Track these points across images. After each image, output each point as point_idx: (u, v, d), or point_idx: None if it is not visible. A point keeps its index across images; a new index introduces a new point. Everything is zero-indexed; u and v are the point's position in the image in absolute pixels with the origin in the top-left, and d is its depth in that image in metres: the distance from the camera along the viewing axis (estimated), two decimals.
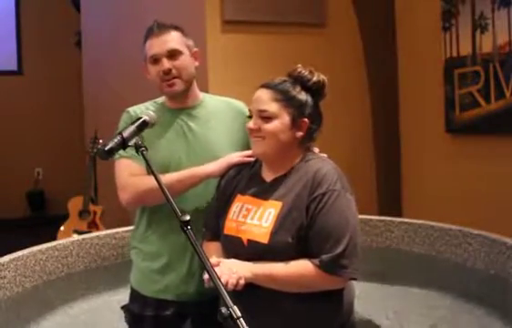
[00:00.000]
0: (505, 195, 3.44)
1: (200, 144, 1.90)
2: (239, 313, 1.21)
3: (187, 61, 1.91)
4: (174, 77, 1.88)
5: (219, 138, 1.92)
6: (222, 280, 1.47)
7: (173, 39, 1.90)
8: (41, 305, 2.33)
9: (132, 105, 1.98)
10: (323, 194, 1.57)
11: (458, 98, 3.69)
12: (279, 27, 3.96)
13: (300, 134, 1.65)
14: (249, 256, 1.58)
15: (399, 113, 4.25)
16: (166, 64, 1.87)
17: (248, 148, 1.93)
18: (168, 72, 1.87)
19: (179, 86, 1.90)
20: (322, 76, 1.69)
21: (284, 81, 1.67)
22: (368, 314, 2.23)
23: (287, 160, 1.68)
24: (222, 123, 1.95)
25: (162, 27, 1.91)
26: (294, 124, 1.64)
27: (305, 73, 1.68)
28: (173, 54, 1.88)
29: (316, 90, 1.68)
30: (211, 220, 1.79)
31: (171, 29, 1.91)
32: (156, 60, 1.88)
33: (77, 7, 6.30)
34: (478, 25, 3.50)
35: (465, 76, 3.63)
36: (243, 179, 1.75)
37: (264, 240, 1.58)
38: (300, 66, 1.70)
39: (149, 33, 1.92)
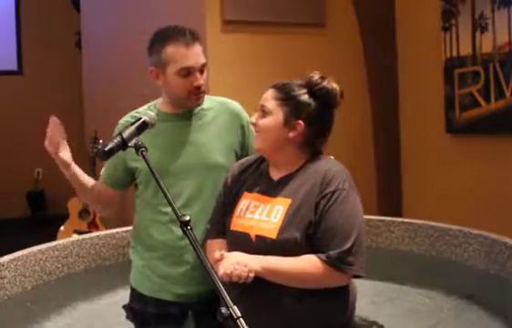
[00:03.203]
0: (505, 195, 3.44)
1: (194, 147, 1.89)
2: (239, 313, 1.21)
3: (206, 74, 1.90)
4: (203, 92, 1.86)
5: (212, 139, 1.91)
6: (234, 276, 1.49)
7: (201, 52, 1.84)
8: (41, 305, 2.33)
9: (131, 105, 1.98)
10: (333, 192, 1.59)
11: (458, 98, 3.69)
12: (279, 27, 3.96)
13: (292, 135, 1.65)
14: (256, 251, 1.59)
15: (399, 113, 4.25)
16: (201, 79, 1.83)
17: (240, 149, 1.95)
18: (200, 87, 1.84)
19: (203, 99, 1.89)
20: (334, 85, 1.68)
21: (292, 83, 1.69)
22: (368, 314, 2.23)
23: (291, 160, 1.69)
24: (216, 123, 1.94)
25: (194, 36, 1.83)
26: (287, 123, 1.65)
27: (315, 77, 1.68)
28: (203, 68, 1.85)
29: (323, 96, 1.67)
30: (216, 218, 1.79)
31: (199, 40, 1.85)
32: (189, 73, 1.81)
33: (77, 7, 6.30)
34: (478, 25, 3.51)
35: (465, 76, 3.63)
36: (250, 178, 1.76)
37: (273, 235, 1.59)
38: (316, 72, 1.70)
39: (178, 38, 1.79)
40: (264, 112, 1.67)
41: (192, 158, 1.87)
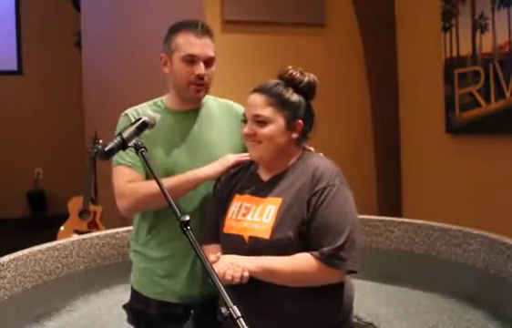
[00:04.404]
0: (505, 195, 3.44)
1: (203, 146, 1.90)
2: (239, 313, 1.22)
3: (214, 71, 1.90)
4: (203, 84, 1.87)
5: (220, 140, 1.92)
6: (227, 275, 1.49)
7: (211, 46, 1.87)
8: (41, 305, 2.33)
9: (132, 105, 1.97)
10: (324, 189, 1.60)
11: (458, 98, 3.69)
12: (278, 27, 3.96)
13: (295, 135, 1.67)
14: (250, 253, 1.59)
15: (399, 113, 4.25)
16: (203, 69, 1.84)
17: (244, 151, 1.94)
18: (202, 77, 1.85)
19: (203, 94, 1.89)
20: (313, 77, 1.71)
21: (277, 84, 1.68)
22: (368, 314, 2.23)
23: (284, 160, 1.70)
24: (223, 125, 1.95)
25: (206, 29, 1.87)
26: (289, 126, 1.66)
27: (297, 74, 1.69)
28: (209, 61, 1.86)
29: (308, 91, 1.70)
30: (210, 223, 1.79)
31: (210, 34, 1.89)
32: (193, 61, 1.84)
33: (77, 7, 6.30)
34: (478, 25, 3.51)
35: (465, 76, 3.63)
36: (240, 180, 1.77)
37: (266, 235, 1.59)
38: (290, 67, 1.71)
39: (190, 28, 1.85)
40: (262, 121, 1.64)
41: (203, 157, 1.87)
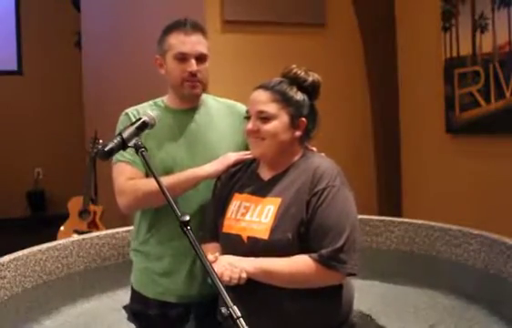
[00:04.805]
0: (504, 195, 3.44)
1: (203, 145, 1.90)
2: (239, 313, 1.21)
3: (208, 67, 1.91)
4: (198, 81, 1.88)
5: (220, 139, 1.92)
6: (225, 276, 1.48)
7: (202, 42, 1.89)
8: (41, 305, 2.33)
9: (132, 105, 1.98)
10: (324, 189, 1.59)
11: (458, 98, 3.69)
12: (279, 27, 3.96)
13: (298, 134, 1.67)
14: (249, 253, 1.59)
15: (399, 113, 4.26)
16: (195, 66, 1.85)
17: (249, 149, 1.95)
18: (195, 74, 1.86)
19: (199, 89, 1.90)
20: (317, 76, 1.71)
21: (281, 82, 1.68)
22: (368, 314, 2.23)
23: (286, 159, 1.69)
24: (224, 124, 1.96)
25: (195, 27, 1.89)
26: (293, 124, 1.66)
27: (301, 74, 1.69)
28: (201, 58, 1.88)
29: (312, 90, 1.70)
30: (209, 222, 1.79)
31: (201, 31, 1.91)
32: (184, 59, 1.86)
33: (77, 7, 6.30)
34: (478, 25, 3.50)
35: (465, 76, 3.63)
36: (240, 179, 1.76)
37: (264, 236, 1.59)
38: (295, 66, 1.71)
39: (179, 28, 1.88)
40: (266, 117, 1.64)
41: (202, 155, 1.87)
